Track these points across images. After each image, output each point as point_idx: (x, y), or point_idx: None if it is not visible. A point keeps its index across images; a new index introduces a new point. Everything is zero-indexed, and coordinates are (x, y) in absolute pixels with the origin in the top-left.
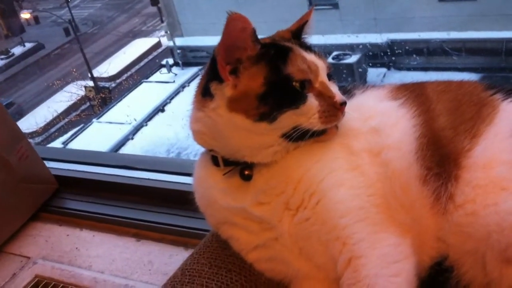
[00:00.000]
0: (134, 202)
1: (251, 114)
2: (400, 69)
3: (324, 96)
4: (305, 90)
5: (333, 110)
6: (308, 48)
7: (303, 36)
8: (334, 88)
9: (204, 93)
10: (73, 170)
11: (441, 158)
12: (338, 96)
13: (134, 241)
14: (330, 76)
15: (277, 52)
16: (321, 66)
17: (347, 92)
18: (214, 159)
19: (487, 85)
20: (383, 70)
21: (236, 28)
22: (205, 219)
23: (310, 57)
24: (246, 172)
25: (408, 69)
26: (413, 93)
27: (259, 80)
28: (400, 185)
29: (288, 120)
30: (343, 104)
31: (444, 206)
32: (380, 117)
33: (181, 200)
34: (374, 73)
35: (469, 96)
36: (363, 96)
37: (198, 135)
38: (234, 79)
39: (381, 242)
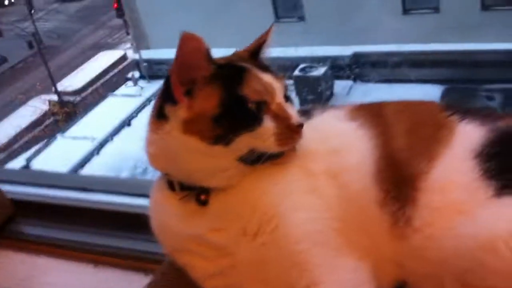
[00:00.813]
0: (92, 226)
1: (206, 136)
2: (366, 81)
3: (280, 118)
4: (261, 112)
5: (290, 133)
6: (265, 68)
7: (262, 53)
8: (291, 109)
9: (159, 115)
10: (30, 194)
11: (398, 181)
12: (295, 118)
13: (91, 268)
14: (287, 98)
15: (232, 73)
16: (278, 87)
17: (306, 113)
18: (170, 183)
19: (445, 106)
20: (349, 82)
21: (189, 48)
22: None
23: (267, 78)
24: (202, 197)
25: (374, 81)
26: (371, 114)
27: (213, 101)
28: (358, 209)
29: (244, 143)
30: (300, 126)
31: (402, 229)
32: (338, 138)
33: (140, 223)
34: (340, 86)
35: (427, 117)
36: (322, 117)
37: (153, 158)
38: (188, 100)
39: (340, 267)
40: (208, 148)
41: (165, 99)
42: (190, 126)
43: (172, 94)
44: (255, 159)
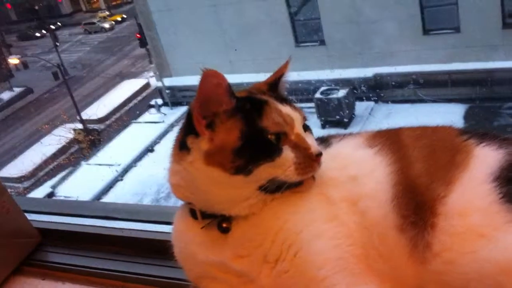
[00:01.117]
0: (119, 254)
1: (227, 167)
2: (387, 102)
3: (299, 147)
4: (281, 143)
5: (309, 162)
6: (284, 100)
7: (280, 85)
8: (310, 139)
9: (181, 147)
10: (55, 222)
11: (417, 206)
12: (314, 147)
13: None
14: (306, 127)
15: (252, 106)
16: (297, 117)
17: (324, 141)
18: (192, 212)
19: (461, 130)
20: (371, 103)
21: (211, 84)
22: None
23: (286, 109)
24: (224, 225)
25: (395, 102)
26: (388, 140)
27: (234, 133)
28: (377, 234)
29: (264, 173)
30: (319, 155)
31: (421, 254)
32: (356, 165)
33: (164, 250)
34: (362, 107)
35: (444, 142)
36: (339, 145)
37: (176, 188)
38: (210, 133)
39: None
40: (230, 179)
41: (187, 131)
42: (212, 158)
43: (194, 127)
44: (275, 188)
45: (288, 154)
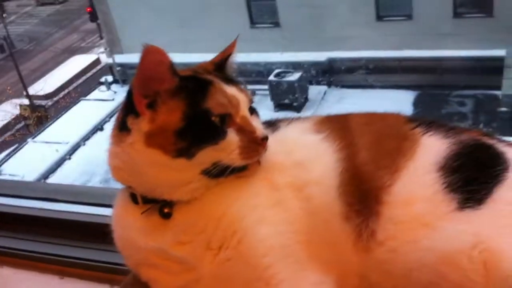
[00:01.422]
0: (57, 237)
1: (169, 150)
2: (339, 86)
3: (245, 131)
4: (225, 125)
5: (254, 146)
6: (231, 81)
7: (227, 65)
8: (256, 122)
9: (121, 128)
10: None
11: (362, 194)
12: (260, 131)
13: (57, 279)
14: (253, 110)
15: (196, 85)
16: (243, 99)
17: (272, 125)
18: (133, 196)
19: (409, 118)
20: (324, 88)
21: (152, 61)
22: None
23: (231, 90)
24: (166, 210)
25: (348, 87)
26: (337, 126)
27: (177, 114)
28: (322, 222)
29: (207, 156)
30: (265, 139)
31: (366, 243)
32: (303, 150)
33: (106, 234)
34: (315, 91)
35: (391, 129)
36: (287, 129)
37: (116, 171)
38: (151, 113)
39: (304, 281)
40: (171, 161)
41: (127, 111)
42: (152, 139)
43: (134, 107)
44: (219, 172)
45: (232, 137)
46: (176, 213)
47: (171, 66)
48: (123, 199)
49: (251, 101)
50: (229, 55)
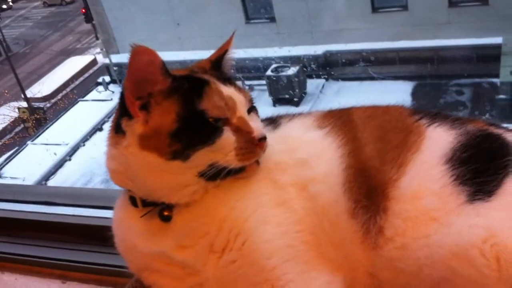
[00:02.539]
0: (58, 241)
1: (164, 152)
2: (337, 79)
3: (241, 131)
4: (221, 126)
5: (251, 147)
6: (228, 80)
7: (224, 63)
8: (254, 122)
9: (117, 130)
10: None
11: (368, 190)
12: (257, 131)
13: (59, 283)
14: (252, 108)
15: (191, 86)
16: (240, 100)
17: (273, 122)
18: (132, 199)
19: (413, 110)
20: (322, 81)
21: (142, 61)
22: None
23: (229, 91)
24: (166, 213)
25: (345, 79)
26: (339, 121)
27: (171, 116)
28: (328, 220)
29: (203, 157)
30: (263, 139)
31: (374, 240)
32: (306, 148)
33: (107, 237)
34: (313, 85)
35: (395, 122)
36: (288, 126)
37: (114, 174)
38: (144, 115)
39: (312, 282)
40: (167, 164)
41: (121, 113)
42: (146, 142)
43: (128, 109)
44: (216, 174)
45: (229, 137)
46: (177, 216)
47: (163, 66)
48: (123, 202)
49: (250, 101)
50: (226, 51)
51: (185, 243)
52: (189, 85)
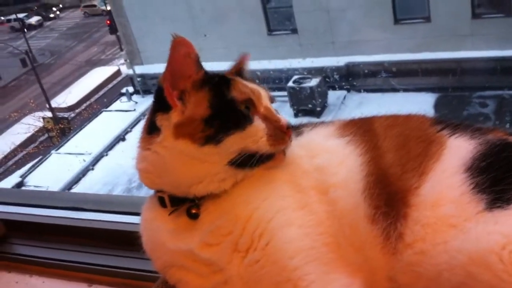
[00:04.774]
0: (85, 245)
1: (197, 137)
2: (359, 91)
3: (269, 119)
4: (251, 113)
5: (280, 134)
6: (250, 80)
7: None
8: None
9: (150, 130)
10: (21, 214)
11: (389, 197)
12: (284, 119)
13: (85, 286)
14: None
15: (220, 80)
16: (264, 94)
17: (295, 130)
18: (161, 200)
19: (435, 120)
20: (343, 92)
21: (180, 53)
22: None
23: (252, 85)
24: (193, 211)
25: (367, 91)
26: (360, 129)
27: (204, 103)
28: (348, 225)
29: (234, 143)
30: (290, 127)
31: (394, 245)
32: (326, 155)
33: (133, 241)
34: (334, 96)
35: (417, 132)
36: (311, 134)
37: (144, 174)
38: (181, 105)
39: (333, 283)
40: (198, 150)
41: (156, 110)
42: (181, 129)
43: (164, 102)
44: (245, 161)
45: (259, 124)
46: (203, 214)
47: (198, 59)
48: (151, 205)
49: (271, 99)
50: (241, 68)
51: (210, 241)
52: (218, 79)
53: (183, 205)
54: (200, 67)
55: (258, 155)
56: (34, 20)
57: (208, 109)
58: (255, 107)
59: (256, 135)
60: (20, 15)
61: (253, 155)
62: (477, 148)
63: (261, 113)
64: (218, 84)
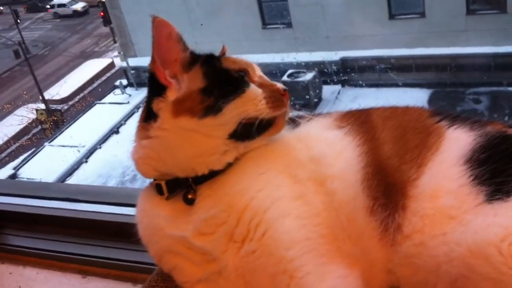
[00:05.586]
0: (79, 237)
1: (196, 110)
2: (353, 86)
3: (265, 85)
4: (246, 79)
5: (278, 96)
6: None
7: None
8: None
9: (147, 117)
10: (15, 204)
11: (387, 188)
12: (279, 84)
13: (79, 278)
14: None
15: (209, 56)
16: (255, 66)
17: (293, 121)
18: (158, 187)
19: (432, 112)
20: (338, 87)
21: (162, 33)
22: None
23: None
24: (190, 196)
25: (361, 86)
26: (358, 121)
27: (198, 77)
28: (346, 216)
29: (234, 109)
30: (286, 90)
31: (392, 237)
32: (323, 146)
33: (127, 233)
34: (328, 91)
35: (415, 123)
36: (308, 126)
37: (142, 161)
38: (175, 83)
39: (329, 275)
40: (199, 124)
41: (151, 96)
42: (180, 106)
43: (158, 86)
44: (246, 131)
45: (256, 88)
46: (199, 199)
47: (180, 38)
48: (148, 193)
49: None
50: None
51: (204, 230)
52: (207, 55)
53: (180, 190)
54: (185, 46)
55: (258, 120)
56: (80, 6)
57: (204, 80)
58: (249, 76)
59: (255, 100)
60: (64, 0)
61: (253, 124)
62: (477, 140)
63: (256, 80)
64: (208, 59)
